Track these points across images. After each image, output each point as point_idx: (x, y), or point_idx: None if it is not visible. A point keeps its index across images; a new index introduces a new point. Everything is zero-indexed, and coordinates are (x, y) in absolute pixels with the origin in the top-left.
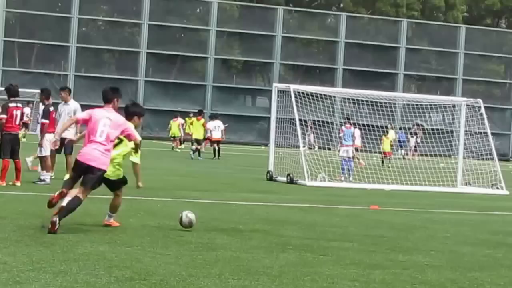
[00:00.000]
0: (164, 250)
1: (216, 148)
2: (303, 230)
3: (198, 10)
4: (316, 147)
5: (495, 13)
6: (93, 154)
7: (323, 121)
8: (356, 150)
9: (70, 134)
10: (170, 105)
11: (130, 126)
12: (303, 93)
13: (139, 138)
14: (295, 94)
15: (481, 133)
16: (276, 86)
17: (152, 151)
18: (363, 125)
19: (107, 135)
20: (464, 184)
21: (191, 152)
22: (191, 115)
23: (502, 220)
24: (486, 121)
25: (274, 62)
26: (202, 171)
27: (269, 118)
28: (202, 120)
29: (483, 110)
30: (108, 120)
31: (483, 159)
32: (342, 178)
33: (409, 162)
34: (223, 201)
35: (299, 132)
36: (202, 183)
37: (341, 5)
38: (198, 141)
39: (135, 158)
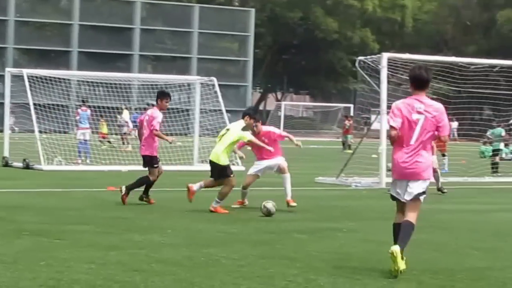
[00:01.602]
0: None
1: None
2: (39, 215)
3: None
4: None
5: None
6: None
7: (58, 105)
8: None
9: None
10: None
11: (157, 120)
12: (37, 77)
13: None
14: (29, 78)
15: (216, 110)
16: (9, 71)
17: None
18: (100, 107)
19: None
20: (201, 162)
21: None
22: None
23: (239, 195)
24: (220, 98)
25: (8, 46)
26: None
27: (2, 104)
28: None
29: (217, 88)
30: (147, 116)
31: None
32: (79, 161)
33: None
34: None
35: (33, 116)
36: None
37: None
38: None
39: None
